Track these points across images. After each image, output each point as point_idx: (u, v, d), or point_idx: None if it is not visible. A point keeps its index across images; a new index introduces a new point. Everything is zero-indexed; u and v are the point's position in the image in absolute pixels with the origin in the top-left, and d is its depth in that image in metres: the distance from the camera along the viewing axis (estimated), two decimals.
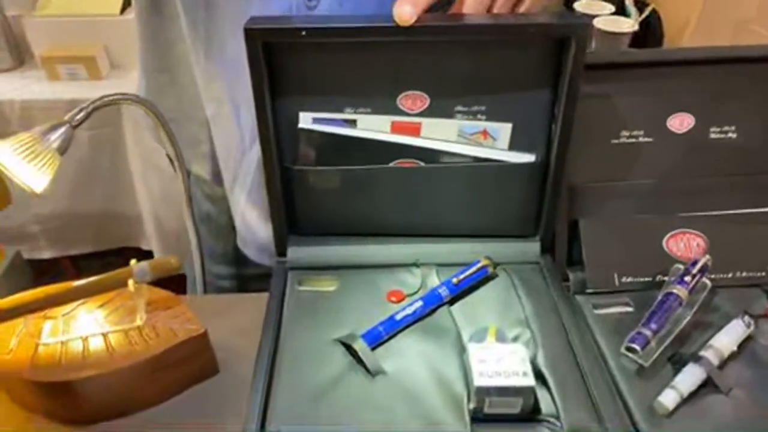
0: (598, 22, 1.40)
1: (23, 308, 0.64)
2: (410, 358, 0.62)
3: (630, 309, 0.72)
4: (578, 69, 0.64)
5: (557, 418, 0.56)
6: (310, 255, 0.75)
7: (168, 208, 1.85)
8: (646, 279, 0.74)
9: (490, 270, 0.72)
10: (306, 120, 0.68)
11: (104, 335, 0.67)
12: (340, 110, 0.68)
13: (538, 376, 0.60)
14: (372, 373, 0.60)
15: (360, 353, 0.61)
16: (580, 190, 0.77)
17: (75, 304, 0.71)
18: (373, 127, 0.69)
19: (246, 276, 1.05)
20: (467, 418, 0.56)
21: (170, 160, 1.69)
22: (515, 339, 0.65)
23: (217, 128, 0.86)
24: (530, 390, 0.56)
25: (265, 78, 0.63)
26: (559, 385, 0.59)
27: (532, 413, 0.57)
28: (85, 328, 0.68)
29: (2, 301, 0.65)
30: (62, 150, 0.70)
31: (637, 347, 0.63)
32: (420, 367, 0.61)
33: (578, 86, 0.65)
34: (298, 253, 0.75)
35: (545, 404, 0.58)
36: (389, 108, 0.68)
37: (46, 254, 1.91)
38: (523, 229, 0.76)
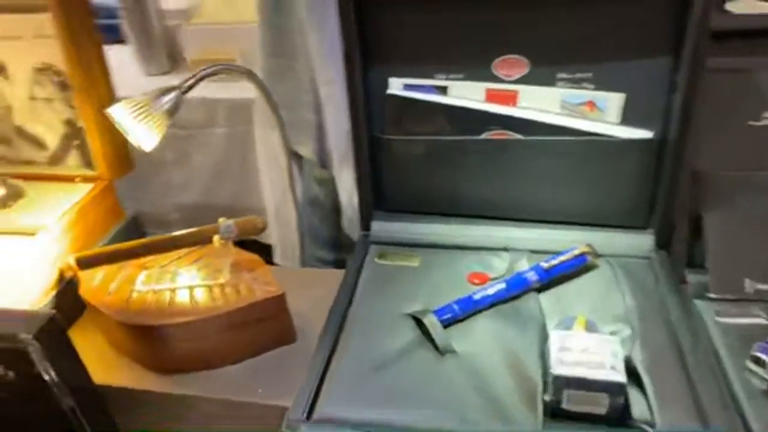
0: None
1: (119, 254, 0.68)
2: (485, 341, 0.57)
3: (763, 321, 0.60)
4: (704, 31, 0.55)
5: (652, 425, 0.48)
6: (394, 230, 0.72)
7: (288, 205, 1.93)
8: None
9: (590, 259, 0.64)
10: (396, 86, 0.66)
11: (190, 288, 0.69)
12: (432, 76, 0.65)
13: (632, 375, 0.51)
14: (441, 351, 0.56)
15: (430, 329, 0.57)
16: (708, 179, 0.67)
17: (170, 259, 0.75)
18: (465, 94, 0.65)
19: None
20: (540, 411, 0.49)
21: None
22: (613, 335, 0.56)
23: (329, 109, 0.88)
24: (619, 387, 0.48)
25: (355, 39, 0.62)
26: (657, 389, 0.50)
27: (621, 417, 0.49)
28: (174, 281, 0.71)
29: (102, 248, 0.70)
30: (171, 113, 0.75)
31: (765, 358, 0.52)
32: (494, 352, 0.55)
33: (704, 51, 0.56)
34: (382, 227, 0.73)
35: (638, 408, 0.49)
36: (484, 74, 0.63)
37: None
38: (634, 220, 0.67)
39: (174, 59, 2.15)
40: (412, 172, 0.70)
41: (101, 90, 0.84)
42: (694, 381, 0.51)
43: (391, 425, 0.49)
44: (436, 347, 0.56)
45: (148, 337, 0.67)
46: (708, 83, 0.63)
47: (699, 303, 0.63)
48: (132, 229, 0.90)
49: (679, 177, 0.63)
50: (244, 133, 1.95)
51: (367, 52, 0.64)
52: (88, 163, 0.88)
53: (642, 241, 0.66)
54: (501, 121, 0.65)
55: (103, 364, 0.70)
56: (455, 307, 0.59)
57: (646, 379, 0.50)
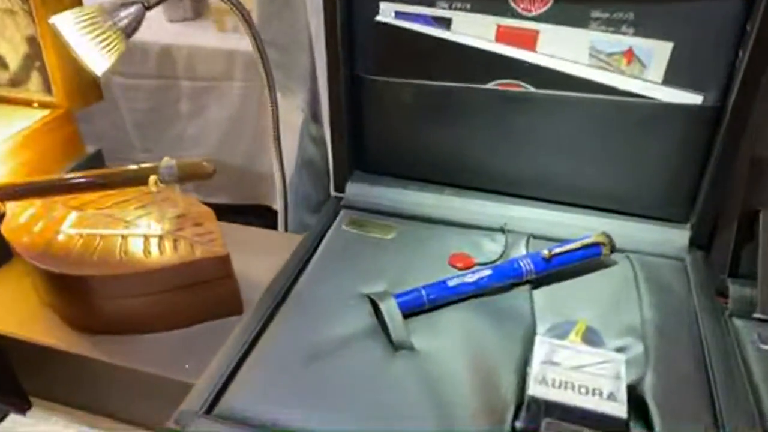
0: None
1: (42, 187, 0.57)
2: (453, 340, 0.44)
3: None
4: None
5: None
6: (371, 195, 0.60)
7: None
8: None
9: (604, 252, 0.50)
10: (387, 12, 0.53)
11: (123, 237, 0.59)
12: (432, 3, 0.52)
13: (639, 407, 0.38)
14: (395, 345, 0.44)
15: (386, 316, 0.44)
16: None
17: (112, 201, 0.64)
18: (471, 30, 0.52)
19: None
20: None
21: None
22: (619, 352, 0.43)
23: (318, 46, 0.76)
24: (617, 423, 0.35)
25: None
26: (669, 428, 0.36)
27: None
28: (108, 227, 0.60)
29: (24, 179, 0.60)
30: (129, 32, 0.63)
31: None
32: (462, 355, 0.43)
33: None
34: (358, 190, 0.60)
35: None
36: (497, 5, 0.50)
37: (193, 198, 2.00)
38: (668, 209, 0.54)
39: (197, 6, 2.05)
40: (399, 124, 0.57)
41: (66, 3, 0.74)
42: (722, 425, 0.38)
43: None
44: (390, 340, 0.44)
45: (67, 288, 0.57)
46: None
47: (740, 323, 0.49)
48: (93, 165, 0.80)
49: (733, 159, 0.49)
50: (260, 90, 1.85)
51: None
52: (49, 88, 0.78)
53: (675, 238, 0.53)
54: (514, 68, 0.51)
55: (20, 314, 0.61)
56: (423, 292, 0.46)
57: (656, 416, 0.37)
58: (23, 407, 0.59)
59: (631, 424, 0.37)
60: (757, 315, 0.50)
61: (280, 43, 0.78)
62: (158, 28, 1.55)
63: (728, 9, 0.45)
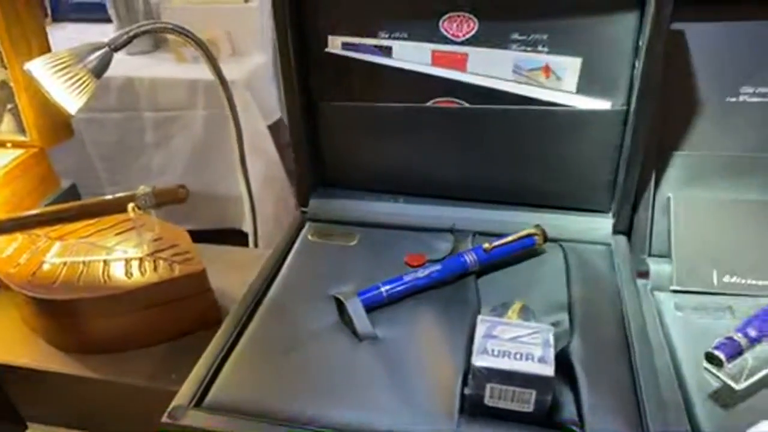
0: None
1: (23, 221, 0.62)
2: (411, 328, 0.50)
3: (728, 317, 0.54)
4: None
5: (581, 427, 0.41)
6: (333, 208, 0.66)
7: (267, 192, 1.87)
8: (759, 282, 0.55)
9: (538, 242, 0.57)
10: (335, 45, 0.59)
11: (105, 262, 0.64)
12: (374, 34, 0.58)
13: (567, 369, 0.45)
14: (359, 336, 0.49)
15: (351, 312, 0.50)
16: (676, 160, 0.60)
17: (91, 231, 0.69)
18: (410, 56, 0.58)
19: None
20: (456, 407, 0.43)
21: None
22: (552, 326, 0.50)
23: None
24: (546, 381, 0.41)
25: None
26: (592, 387, 0.43)
27: (549, 416, 0.43)
28: (90, 254, 0.65)
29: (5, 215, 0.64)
30: (98, 72, 0.69)
31: (722, 357, 0.45)
32: (418, 340, 0.49)
33: (668, 10, 0.50)
34: (320, 204, 0.66)
35: (570, 409, 0.43)
36: (430, 33, 0.57)
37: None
38: (592, 202, 0.61)
39: (157, 39, 2.10)
40: (353, 143, 0.64)
41: (34, 47, 0.78)
42: (639, 381, 0.44)
43: (283, 416, 0.43)
44: (354, 332, 0.50)
45: (56, 313, 0.61)
46: (680, 52, 0.57)
47: (660, 295, 0.57)
48: (68, 199, 0.85)
49: (640, 155, 0.56)
50: (224, 116, 1.89)
51: (304, 7, 0.58)
52: (22, 129, 0.82)
53: (600, 226, 0.60)
54: (449, 87, 0.58)
55: (10, 343, 0.64)
56: (382, 289, 0.52)
57: (581, 376, 0.44)
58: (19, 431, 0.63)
59: (560, 384, 0.44)
60: (672, 287, 0.57)
61: None
62: (118, 61, 1.59)
63: (623, 28, 0.53)
